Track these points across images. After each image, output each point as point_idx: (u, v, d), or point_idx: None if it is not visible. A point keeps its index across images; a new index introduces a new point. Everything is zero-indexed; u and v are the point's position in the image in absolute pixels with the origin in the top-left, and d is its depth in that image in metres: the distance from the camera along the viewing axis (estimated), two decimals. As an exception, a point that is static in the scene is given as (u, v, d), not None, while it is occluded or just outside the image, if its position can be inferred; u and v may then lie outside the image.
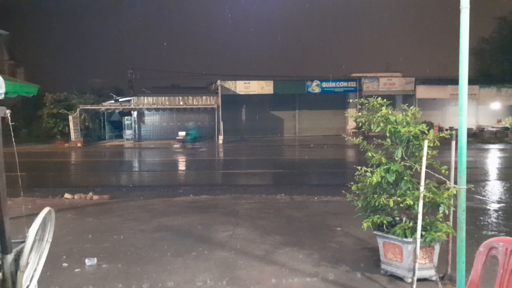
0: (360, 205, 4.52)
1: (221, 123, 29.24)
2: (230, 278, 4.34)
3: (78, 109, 28.19)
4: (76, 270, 4.61)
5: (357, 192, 4.59)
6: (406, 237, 4.06)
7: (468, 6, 3.35)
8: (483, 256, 2.80)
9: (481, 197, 8.90)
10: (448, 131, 4.26)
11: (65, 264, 4.75)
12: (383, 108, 4.41)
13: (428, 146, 4.03)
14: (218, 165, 18.76)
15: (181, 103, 31.34)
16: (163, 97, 31.42)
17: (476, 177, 11.91)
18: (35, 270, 2.70)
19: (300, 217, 6.98)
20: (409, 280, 4.02)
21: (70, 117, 27.45)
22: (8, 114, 2.68)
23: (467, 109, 3.39)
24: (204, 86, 37.06)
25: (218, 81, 31.40)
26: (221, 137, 28.35)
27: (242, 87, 31.74)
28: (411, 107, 4.46)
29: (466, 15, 3.35)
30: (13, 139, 2.94)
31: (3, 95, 2.51)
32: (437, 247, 4.14)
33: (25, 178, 12.11)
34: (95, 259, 4.83)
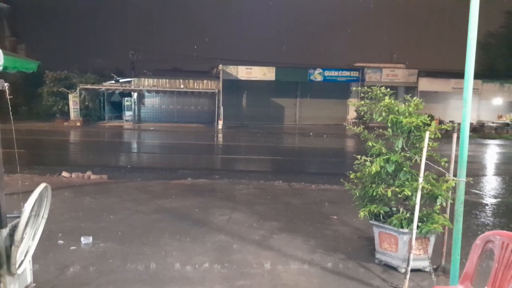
0: (358, 194, 4.52)
1: (221, 108, 29.07)
2: (226, 262, 4.36)
3: (78, 88, 28.05)
4: (72, 248, 4.63)
5: (355, 181, 4.59)
6: (402, 227, 4.07)
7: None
8: (479, 249, 2.79)
9: (478, 192, 8.92)
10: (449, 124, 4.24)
11: (61, 242, 4.76)
12: (386, 97, 4.38)
13: (429, 138, 4.00)
14: (217, 150, 18.75)
15: (182, 86, 31.13)
16: (164, 80, 31.18)
17: (474, 171, 11.93)
18: (30, 245, 2.69)
19: (297, 204, 6.99)
20: (403, 270, 4.04)
21: (70, 96, 27.34)
22: (7, 87, 2.64)
23: (471, 101, 3.35)
24: (206, 71, 36.72)
25: (220, 65, 31.07)
26: (220, 122, 28.22)
27: (244, 72, 31.46)
28: (414, 98, 4.42)
29: (476, 4, 3.28)
30: (11, 115, 2.89)
31: (1, 67, 2.47)
32: (432, 239, 4.15)
33: (23, 155, 12.09)
34: (91, 237, 4.85)
